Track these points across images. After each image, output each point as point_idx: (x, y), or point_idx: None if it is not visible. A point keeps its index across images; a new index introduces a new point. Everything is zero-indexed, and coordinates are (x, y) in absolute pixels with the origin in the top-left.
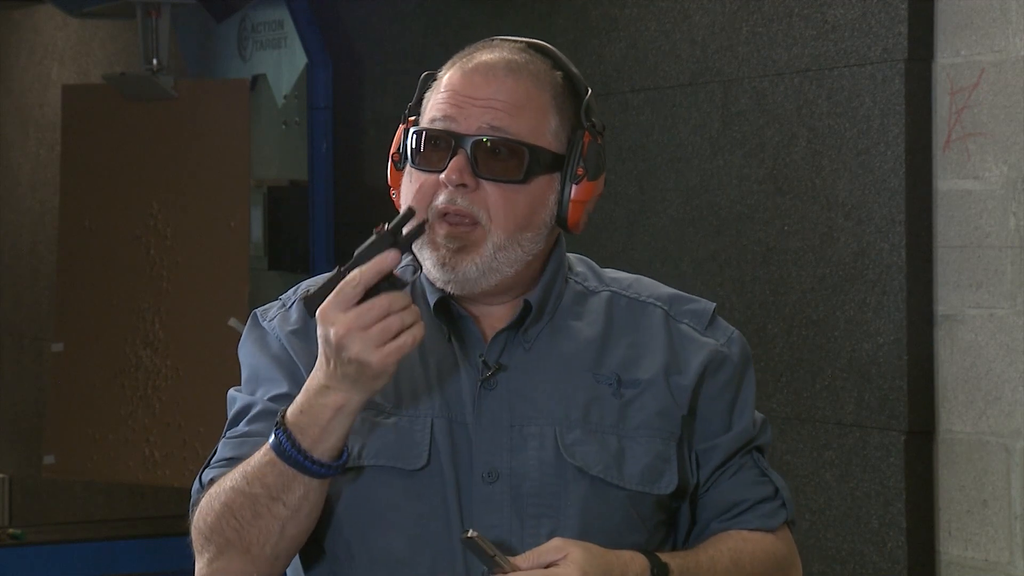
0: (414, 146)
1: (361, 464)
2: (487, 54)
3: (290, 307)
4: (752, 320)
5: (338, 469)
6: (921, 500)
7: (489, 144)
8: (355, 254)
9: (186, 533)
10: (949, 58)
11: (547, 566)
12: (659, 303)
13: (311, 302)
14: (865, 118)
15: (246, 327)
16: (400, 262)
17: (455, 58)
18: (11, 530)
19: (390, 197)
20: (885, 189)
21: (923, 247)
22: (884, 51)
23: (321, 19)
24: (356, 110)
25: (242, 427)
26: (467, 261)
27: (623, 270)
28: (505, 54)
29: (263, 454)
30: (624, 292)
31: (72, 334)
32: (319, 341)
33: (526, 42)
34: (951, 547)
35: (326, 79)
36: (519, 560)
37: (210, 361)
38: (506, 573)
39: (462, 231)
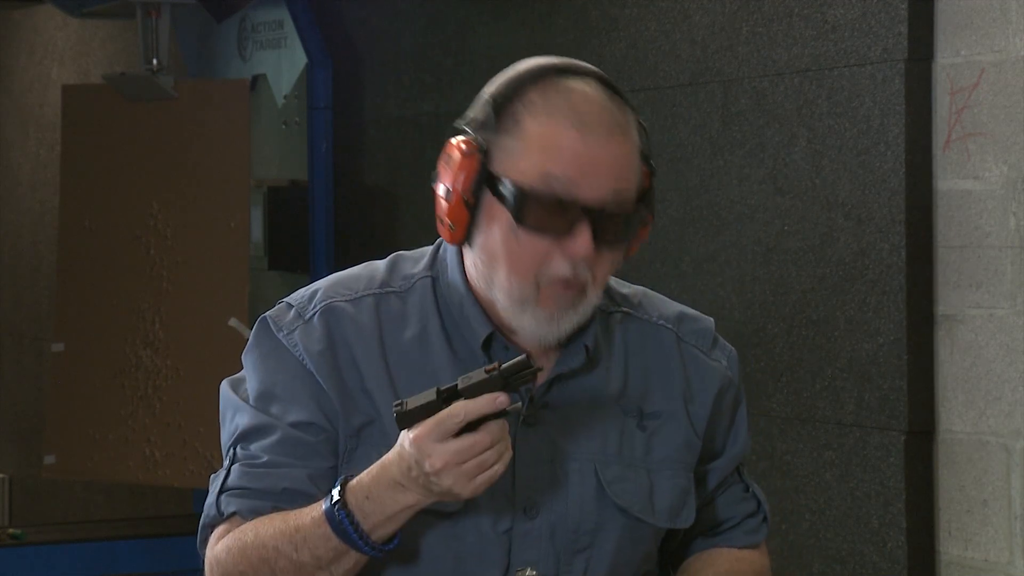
0: (525, 204)
1: None
2: (583, 99)
3: (309, 320)
4: (752, 320)
5: (390, 551)
6: (921, 500)
7: (612, 215)
8: (460, 386)
9: (187, 533)
10: (949, 58)
11: None
12: (669, 324)
13: (405, 419)
14: (865, 118)
15: (254, 333)
16: (508, 406)
17: (531, 92)
18: (11, 530)
19: (439, 221)
20: (885, 189)
21: (923, 247)
22: (884, 51)
23: (321, 19)
24: (356, 110)
25: (260, 452)
26: (572, 318)
27: (623, 270)
28: (602, 100)
29: (315, 524)
30: (635, 313)
31: (72, 334)
32: (404, 454)
33: (595, 75)
34: (951, 547)
35: (326, 79)
36: None
37: (210, 361)
38: None
39: (575, 291)
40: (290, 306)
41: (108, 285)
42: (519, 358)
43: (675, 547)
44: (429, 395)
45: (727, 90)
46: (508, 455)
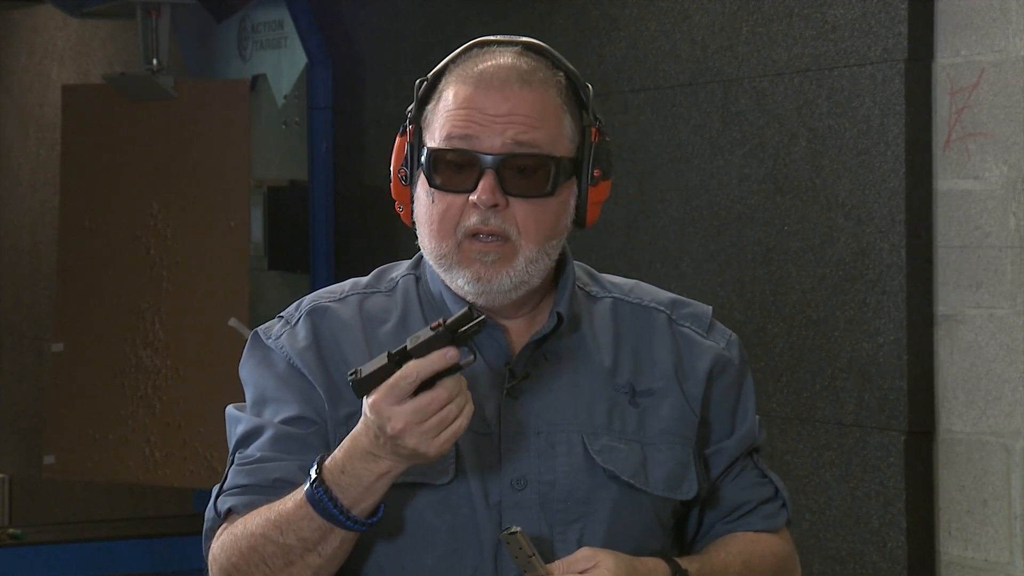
0: (433, 166)
1: None
2: (491, 62)
3: (295, 324)
4: (752, 320)
5: (375, 524)
6: (921, 500)
7: (516, 162)
8: (409, 347)
9: (186, 533)
10: (949, 58)
11: (580, 573)
12: (661, 307)
13: (360, 387)
14: (865, 118)
15: (247, 347)
16: (459, 360)
17: (453, 66)
18: (11, 530)
19: (394, 207)
20: (885, 189)
21: (923, 247)
22: (884, 51)
23: (321, 19)
24: (356, 110)
25: (253, 451)
26: (502, 274)
27: (623, 270)
28: (510, 61)
29: (297, 506)
30: (626, 298)
31: (72, 334)
32: (367, 422)
33: (521, 43)
34: (951, 547)
35: (326, 79)
36: (551, 568)
37: (210, 361)
38: None
39: (495, 247)
40: (280, 318)
41: (108, 285)
42: (461, 310)
43: (695, 534)
44: (381, 360)
45: (727, 90)
46: (470, 409)
